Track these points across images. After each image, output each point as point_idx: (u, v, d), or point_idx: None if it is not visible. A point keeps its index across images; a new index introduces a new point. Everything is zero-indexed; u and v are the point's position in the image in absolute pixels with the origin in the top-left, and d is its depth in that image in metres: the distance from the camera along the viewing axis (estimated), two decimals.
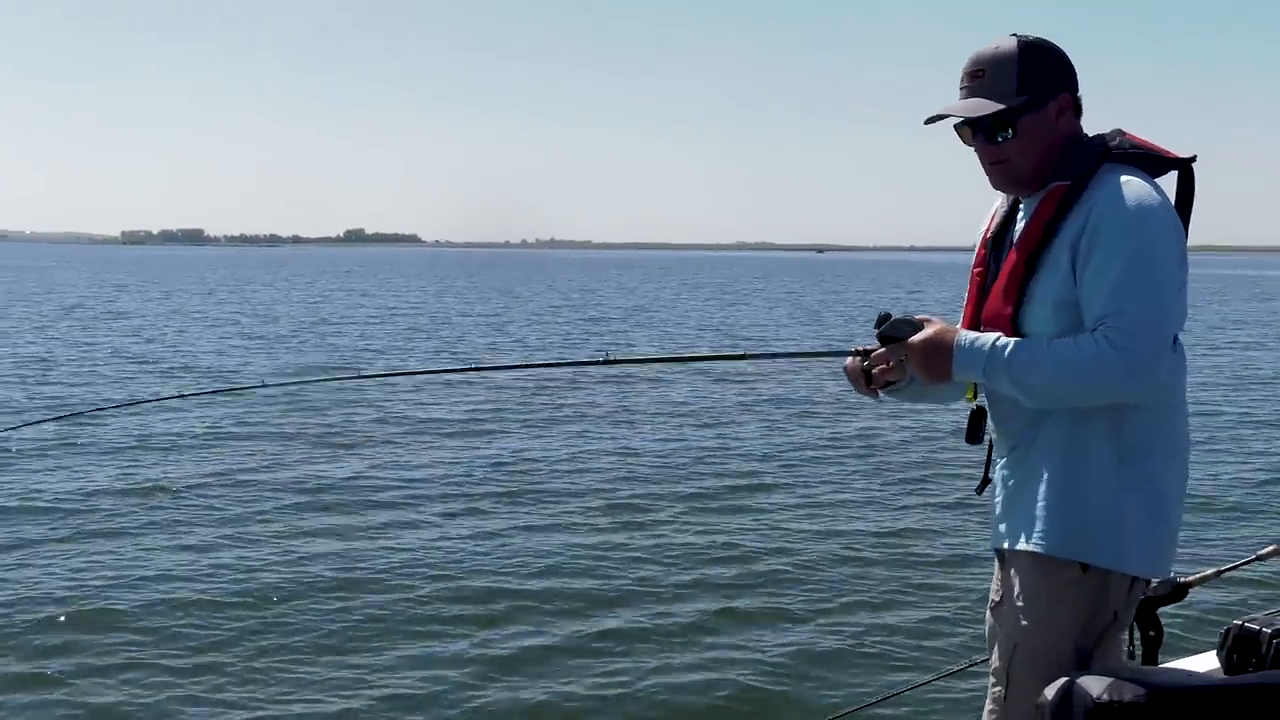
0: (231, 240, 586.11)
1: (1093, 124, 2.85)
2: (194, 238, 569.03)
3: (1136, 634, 3.20)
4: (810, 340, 32.35)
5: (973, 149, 2.83)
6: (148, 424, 14.67)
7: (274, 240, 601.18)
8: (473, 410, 16.51)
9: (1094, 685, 2.52)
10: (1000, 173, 2.80)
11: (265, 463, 12.61)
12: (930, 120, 2.80)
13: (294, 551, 9.19)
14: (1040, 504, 2.73)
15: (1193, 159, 2.78)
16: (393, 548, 9.32)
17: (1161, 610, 3.25)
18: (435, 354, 26.02)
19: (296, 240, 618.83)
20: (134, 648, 7.10)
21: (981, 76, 2.75)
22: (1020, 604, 2.75)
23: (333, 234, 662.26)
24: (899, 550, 9.47)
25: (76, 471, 11.78)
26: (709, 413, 16.58)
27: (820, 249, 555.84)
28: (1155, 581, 3.06)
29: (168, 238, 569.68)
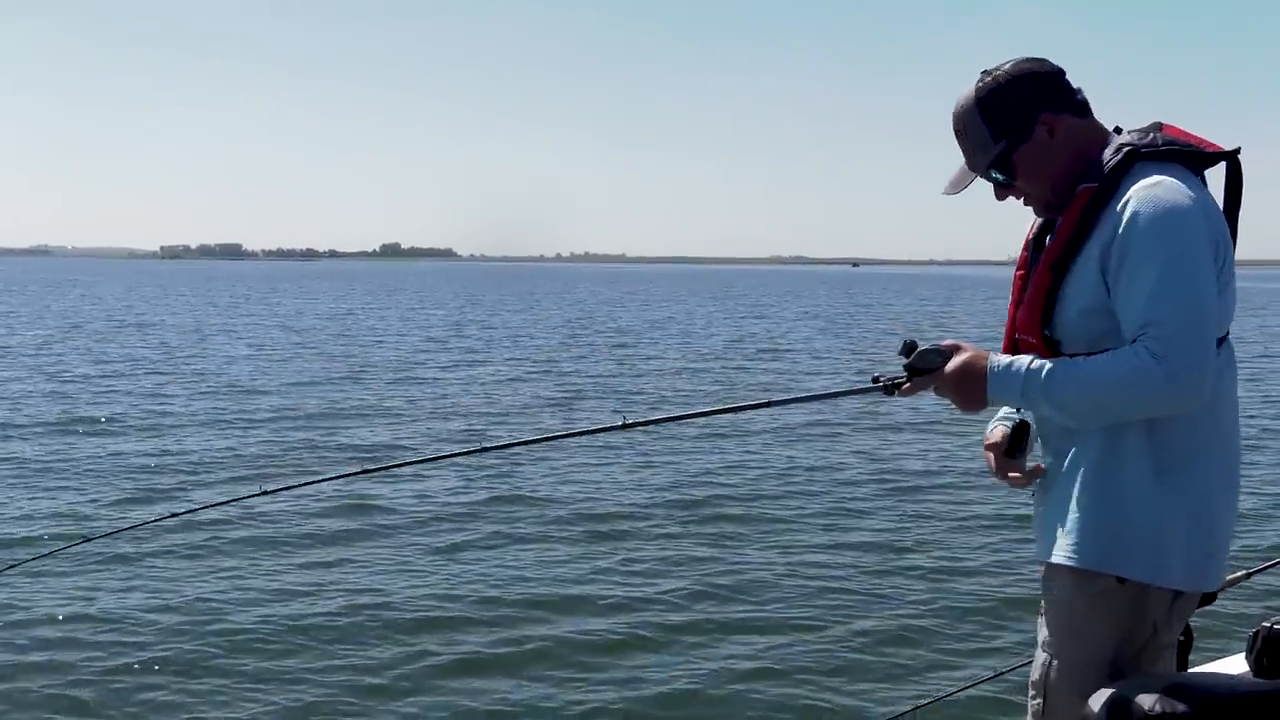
0: (269, 254, 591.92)
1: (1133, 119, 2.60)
2: (232, 252, 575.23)
3: None
4: (838, 348, 32.08)
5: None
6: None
7: (311, 254, 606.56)
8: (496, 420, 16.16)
9: (1144, 696, 2.42)
10: (1031, 205, 2.78)
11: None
12: (950, 193, 2.83)
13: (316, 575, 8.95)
14: (1076, 515, 2.64)
15: (1237, 151, 2.67)
16: (411, 571, 9.07)
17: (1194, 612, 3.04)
18: (453, 364, 26.13)
19: (333, 254, 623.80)
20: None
21: (962, 136, 2.75)
22: (1057, 616, 2.69)
23: (369, 248, 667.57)
24: (928, 563, 9.32)
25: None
26: (734, 434, 16.09)
27: (855, 263, 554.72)
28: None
29: (205, 252, 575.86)
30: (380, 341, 32.97)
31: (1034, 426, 2.84)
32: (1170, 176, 2.56)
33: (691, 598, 8.29)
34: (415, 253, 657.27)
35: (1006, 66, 2.70)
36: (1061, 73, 2.73)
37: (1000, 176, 2.71)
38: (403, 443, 14.85)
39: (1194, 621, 3.02)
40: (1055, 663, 2.68)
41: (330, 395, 19.58)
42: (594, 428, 3.63)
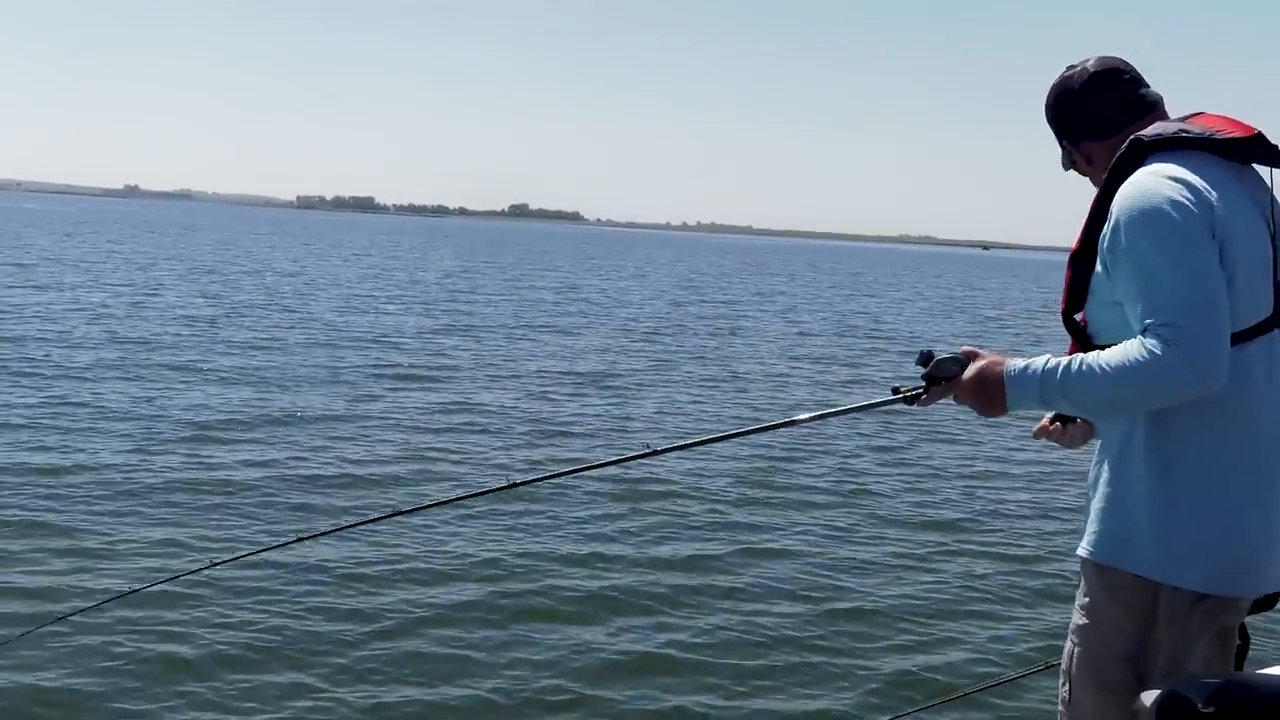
0: (400, 209, 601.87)
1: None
2: (365, 205, 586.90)
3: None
4: (941, 332, 31.53)
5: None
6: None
7: (441, 211, 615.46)
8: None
9: (1195, 694, 2.35)
10: None
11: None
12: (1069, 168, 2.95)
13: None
14: (1096, 509, 2.69)
15: (1258, 135, 2.61)
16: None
17: (1251, 619, 2.87)
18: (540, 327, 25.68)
19: (463, 212, 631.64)
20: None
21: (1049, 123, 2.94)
22: (1082, 608, 2.74)
23: (498, 208, 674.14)
24: (980, 552, 9.18)
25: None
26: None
27: (985, 246, 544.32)
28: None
29: (339, 204, 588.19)
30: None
31: None
32: (1173, 164, 2.54)
33: (714, 587, 8.08)
34: (543, 214, 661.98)
35: (1075, 71, 2.81)
36: (1132, 82, 2.78)
37: (1078, 165, 2.87)
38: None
39: (1253, 627, 2.86)
40: (1076, 652, 2.73)
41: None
42: (620, 457, 4.25)
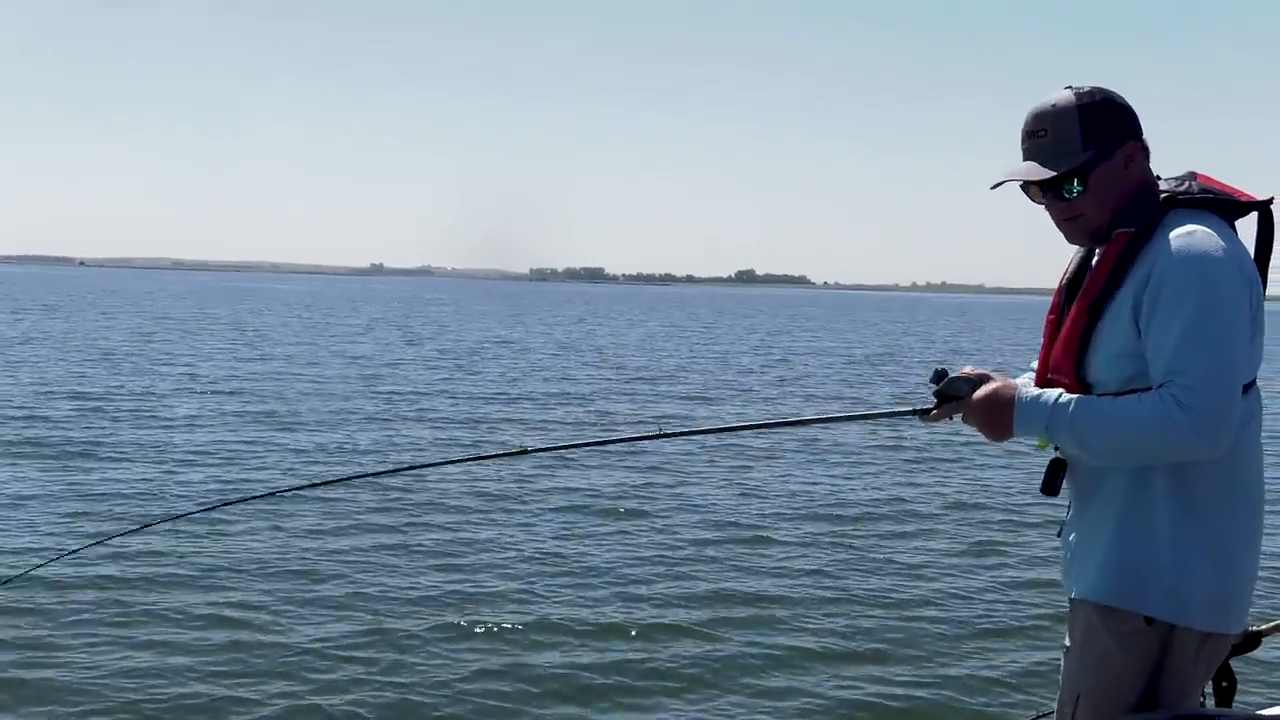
0: (629, 278, 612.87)
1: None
2: (595, 275, 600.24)
3: (1209, 684, 2.94)
4: None
5: (1043, 206, 2.76)
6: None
7: (668, 279, 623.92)
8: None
9: None
10: (1075, 228, 2.74)
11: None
12: (995, 186, 2.75)
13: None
14: (1103, 554, 2.66)
15: (1269, 201, 2.69)
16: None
17: (1234, 660, 2.97)
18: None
19: (690, 279, 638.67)
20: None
21: (1043, 136, 2.68)
22: (1085, 653, 2.68)
23: (724, 274, 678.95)
24: (969, 600, 9.17)
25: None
26: (774, 463, 15.65)
27: None
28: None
29: (571, 275, 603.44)
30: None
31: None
32: (1204, 226, 2.57)
33: (720, 613, 8.31)
34: (770, 279, 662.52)
35: (1101, 88, 2.70)
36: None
37: (1077, 189, 2.67)
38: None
39: (1238, 668, 2.96)
40: (1081, 700, 2.67)
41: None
42: (630, 436, 4.05)
